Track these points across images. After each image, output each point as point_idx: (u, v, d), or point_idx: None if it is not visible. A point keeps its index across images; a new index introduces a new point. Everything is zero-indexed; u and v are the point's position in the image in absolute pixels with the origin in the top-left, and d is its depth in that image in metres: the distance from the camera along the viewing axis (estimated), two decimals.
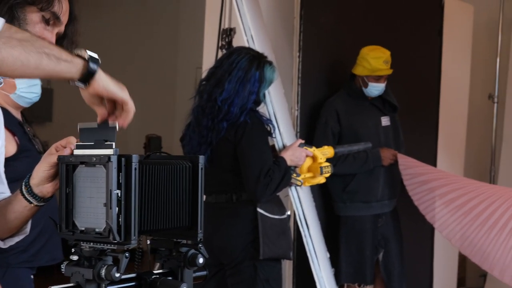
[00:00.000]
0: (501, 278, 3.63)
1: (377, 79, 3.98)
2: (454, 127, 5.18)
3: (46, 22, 1.63)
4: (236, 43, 3.69)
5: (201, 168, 1.44)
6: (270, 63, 3.13)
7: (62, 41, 1.69)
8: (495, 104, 5.71)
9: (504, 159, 5.61)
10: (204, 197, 1.49)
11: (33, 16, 1.63)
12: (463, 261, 5.16)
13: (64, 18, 1.66)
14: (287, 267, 4.00)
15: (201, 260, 1.44)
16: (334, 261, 3.88)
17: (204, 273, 1.50)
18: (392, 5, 4.62)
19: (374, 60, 3.94)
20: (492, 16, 5.73)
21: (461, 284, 5.74)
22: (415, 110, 4.65)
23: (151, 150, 5.22)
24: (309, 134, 3.98)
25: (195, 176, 1.44)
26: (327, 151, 3.36)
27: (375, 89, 4.01)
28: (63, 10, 1.65)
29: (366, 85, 4.00)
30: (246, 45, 3.34)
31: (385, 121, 4.13)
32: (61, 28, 1.68)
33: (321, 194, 4.04)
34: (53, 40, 1.65)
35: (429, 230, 4.57)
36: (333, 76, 4.28)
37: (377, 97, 4.09)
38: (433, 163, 4.73)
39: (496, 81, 5.71)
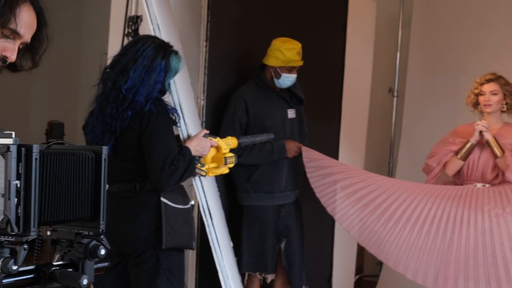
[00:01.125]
0: (395, 268, 3.76)
1: (290, 70, 4.02)
2: (356, 120, 5.30)
3: (6, 37, 1.62)
4: (142, 31, 3.65)
5: (104, 159, 1.43)
6: (176, 52, 3.12)
7: (34, 44, 1.71)
8: (395, 98, 5.90)
9: (402, 152, 5.81)
10: (107, 186, 1.48)
11: None
12: (361, 250, 5.31)
13: (26, 29, 1.66)
14: (190, 256, 4.00)
15: (102, 252, 1.43)
16: (238, 250, 3.92)
17: (105, 264, 1.50)
18: None
19: (288, 51, 3.98)
20: (393, 12, 5.91)
21: (359, 272, 5.91)
22: (318, 102, 4.73)
23: (53, 137, 5.09)
24: (215, 124, 3.98)
25: (98, 167, 1.43)
26: (231, 142, 3.39)
27: (288, 80, 4.04)
28: (24, 23, 1.64)
29: (278, 76, 4.03)
30: (153, 33, 3.31)
31: (291, 113, 4.18)
32: (25, 39, 1.68)
33: (225, 183, 4.06)
34: (15, 50, 1.64)
35: (330, 221, 4.67)
36: (240, 66, 4.30)
37: (285, 89, 4.13)
38: (335, 154, 4.84)
39: (396, 76, 5.90)
